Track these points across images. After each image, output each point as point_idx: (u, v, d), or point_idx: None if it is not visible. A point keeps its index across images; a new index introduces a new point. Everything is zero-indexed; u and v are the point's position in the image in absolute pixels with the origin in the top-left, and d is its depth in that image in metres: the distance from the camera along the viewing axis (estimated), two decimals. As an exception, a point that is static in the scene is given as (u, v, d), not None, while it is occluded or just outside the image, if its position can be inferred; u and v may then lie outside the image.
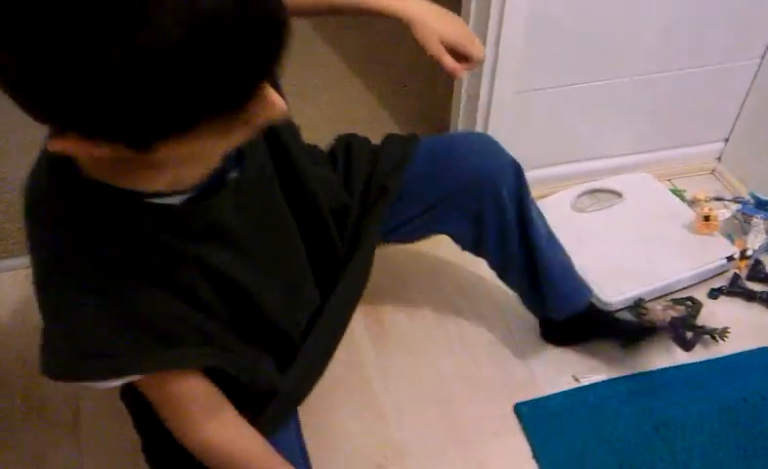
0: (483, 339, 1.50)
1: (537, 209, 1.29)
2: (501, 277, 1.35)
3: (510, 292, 1.40)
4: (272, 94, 0.63)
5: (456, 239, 1.28)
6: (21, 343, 1.45)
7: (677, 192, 1.79)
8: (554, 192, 1.75)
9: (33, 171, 0.76)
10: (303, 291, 1.02)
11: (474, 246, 1.28)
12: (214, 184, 0.78)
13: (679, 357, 1.46)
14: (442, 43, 1.01)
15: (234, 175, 0.81)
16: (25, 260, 1.61)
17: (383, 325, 1.52)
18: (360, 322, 1.51)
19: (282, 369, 0.98)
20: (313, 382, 1.06)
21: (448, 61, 1.01)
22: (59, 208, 0.73)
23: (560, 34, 1.52)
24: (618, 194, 1.75)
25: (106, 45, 0.50)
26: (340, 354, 1.10)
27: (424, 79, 2.18)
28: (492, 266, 1.34)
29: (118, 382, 0.79)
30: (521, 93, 1.58)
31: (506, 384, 1.42)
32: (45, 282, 0.75)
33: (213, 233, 0.80)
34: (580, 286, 1.38)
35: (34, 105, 0.55)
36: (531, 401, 1.37)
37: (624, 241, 1.64)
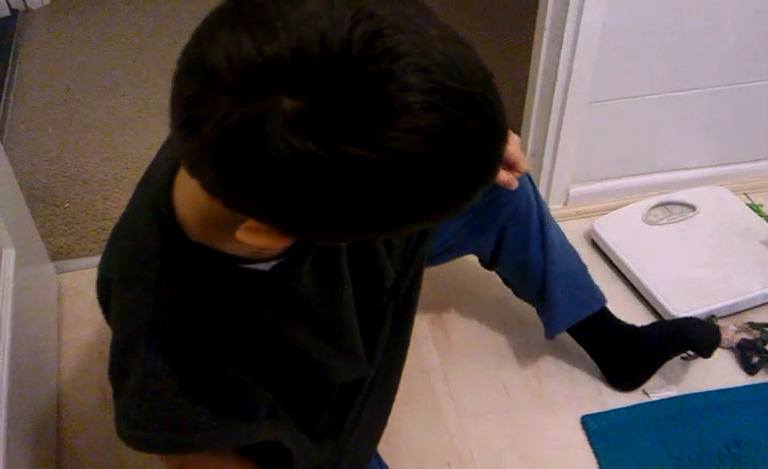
0: (548, 350, 1.48)
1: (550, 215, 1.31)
2: (517, 289, 1.39)
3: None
4: None
5: (479, 256, 1.33)
6: (96, 337, 1.51)
7: (754, 207, 1.73)
8: (626, 204, 1.72)
9: (124, 233, 0.76)
10: (356, 356, 1.00)
11: (492, 260, 1.31)
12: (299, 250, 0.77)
13: (759, 376, 1.41)
14: None
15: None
16: (100, 258, 1.68)
17: (447, 332, 1.52)
18: (424, 329, 1.51)
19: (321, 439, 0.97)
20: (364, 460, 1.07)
21: (503, 175, 1.00)
22: (160, 274, 0.71)
23: (635, 45, 1.50)
24: (692, 208, 1.71)
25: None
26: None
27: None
28: (507, 279, 1.38)
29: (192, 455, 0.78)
30: (595, 103, 1.56)
31: (572, 396, 1.40)
32: (130, 349, 0.72)
33: (295, 300, 0.79)
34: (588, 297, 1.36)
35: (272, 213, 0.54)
36: (598, 414, 1.35)
37: (697, 256, 1.60)
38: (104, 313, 0.83)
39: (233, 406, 0.76)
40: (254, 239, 0.59)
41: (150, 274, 0.71)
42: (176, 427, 0.72)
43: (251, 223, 0.58)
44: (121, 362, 0.74)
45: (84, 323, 1.53)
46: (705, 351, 1.34)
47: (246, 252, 0.71)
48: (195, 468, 0.81)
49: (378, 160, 0.48)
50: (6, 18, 2.45)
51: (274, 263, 0.75)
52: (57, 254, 1.67)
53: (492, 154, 0.54)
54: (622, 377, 1.40)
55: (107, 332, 1.52)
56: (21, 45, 2.35)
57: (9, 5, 2.46)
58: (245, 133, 0.49)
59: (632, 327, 1.38)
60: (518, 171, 1.02)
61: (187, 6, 2.50)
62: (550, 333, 1.37)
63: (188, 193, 0.69)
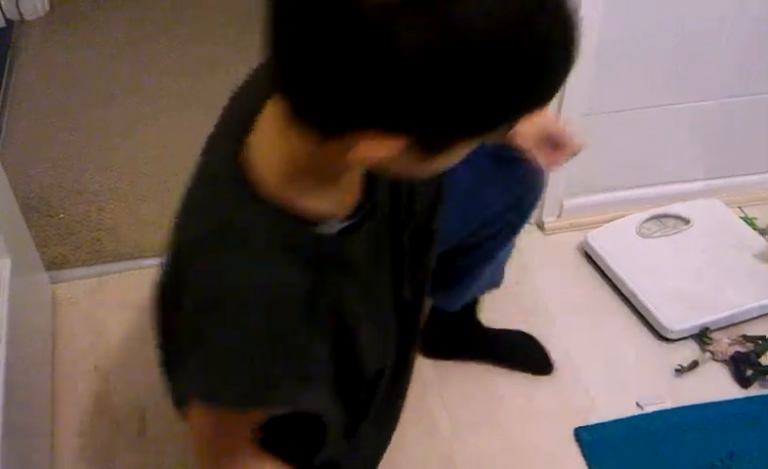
0: (543, 362, 1.48)
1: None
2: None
3: (568, 314, 1.39)
4: None
5: None
6: (90, 348, 1.50)
7: (748, 220, 1.74)
8: (620, 217, 1.73)
9: (198, 195, 0.75)
10: (389, 340, 0.97)
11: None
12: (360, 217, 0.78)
13: (752, 389, 1.42)
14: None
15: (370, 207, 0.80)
16: (94, 269, 1.67)
17: (442, 345, 1.52)
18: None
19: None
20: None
21: (549, 154, 0.99)
22: (242, 231, 0.70)
23: (630, 59, 1.51)
24: (686, 221, 1.72)
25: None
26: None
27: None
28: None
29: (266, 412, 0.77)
30: (589, 115, 1.57)
31: (565, 409, 1.40)
32: (210, 307, 0.70)
33: (355, 268, 0.79)
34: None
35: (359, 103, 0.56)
36: (592, 426, 1.35)
37: (691, 269, 1.61)
38: (162, 291, 0.81)
39: (305, 369, 0.75)
40: (372, 150, 0.59)
41: (232, 231, 0.70)
42: (256, 380, 0.71)
43: (372, 139, 0.58)
44: (197, 324, 0.72)
45: (78, 334, 1.53)
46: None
47: (323, 207, 0.72)
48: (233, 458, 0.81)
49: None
50: (2, 28, 2.45)
51: (339, 226, 0.75)
52: (51, 264, 1.66)
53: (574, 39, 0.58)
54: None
55: (101, 343, 1.53)
56: (17, 55, 2.35)
57: (4, 15, 2.47)
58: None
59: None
60: (564, 153, 1.00)
61: (183, 16, 2.51)
62: (449, 308, 1.37)
63: (268, 143, 0.69)
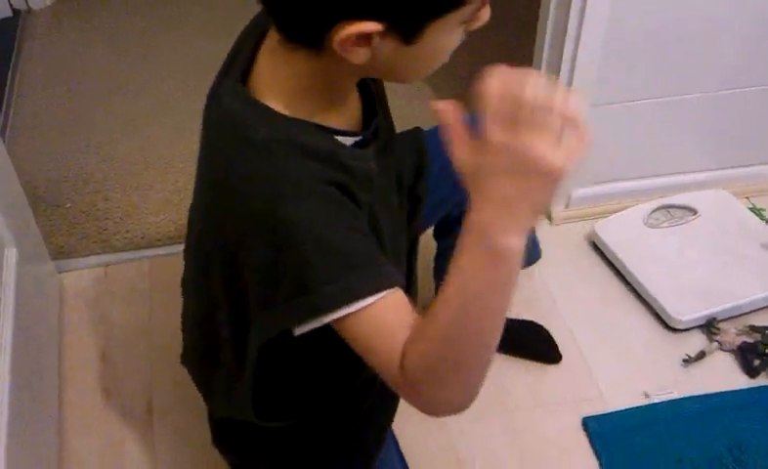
0: (550, 352, 1.48)
1: None
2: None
3: (576, 305, 1.38)
4: None
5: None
6: (97, 338, 1.51)
7: (756, 211, 1.73)
8: (628, 207, 1.72)
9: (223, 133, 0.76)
10: (401, 261, 0.96)
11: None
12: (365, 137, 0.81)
13: (760, 379, 1.41)
14: None
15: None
16: (101, 258, 1.67)
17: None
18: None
19: None
20: None
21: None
22: (276, 143, 0.72)
23: (636, 50, 1.50)
24: (694, 211, 1.71)
25: None
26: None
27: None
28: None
29: (366, 301, 0.70)
30: (597, 106, 1.56)
31: (572, 398, 1.40)
32: (281, 227, 0.69)
33: (370, 179, 0.79)
34: None
35: None
36: (599, 415, 1.35)
37: (698, 259, 1.60)
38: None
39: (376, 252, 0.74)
40: (352, 35, 0.65)
41: (259, 144, 0.72)
42: (358, 264, 0.71)
43: (348, 29, 0.64)
44: (275, 251, 0.71)
45: (85, 323, 1.53)
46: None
47: (332, 122, 0.76)
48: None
49: None
50: (8, 18, 2.45)
51: (351, 141, 0.78)
52: (58, 254, 1.67)
53: None
54: None
55: (108, 332, 1.53)
56: (24, 46, 2.35)
57: (11, 5, 2.47)
58: None
59: None
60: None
61: (191, 9, 2.51)
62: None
63: (270, 74, 0.75)
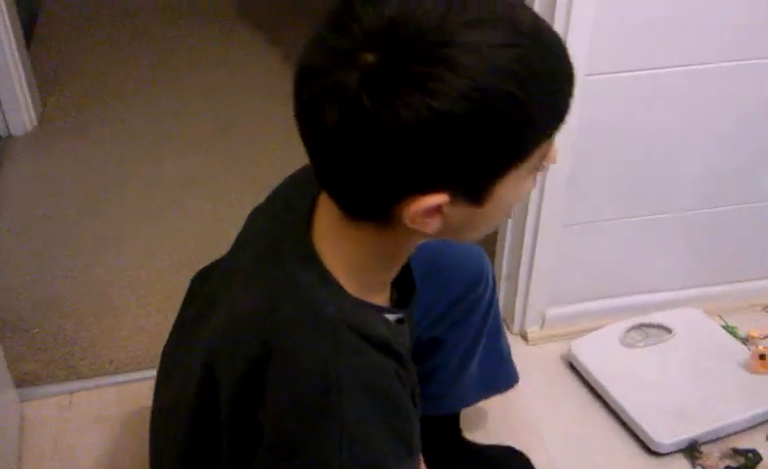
0: None
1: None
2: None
3: (555, 428, 1.34)
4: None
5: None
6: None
7: (729, 329, 1.73)
8: (603, 326, 1.71)
9: (280, 299, 0.76)
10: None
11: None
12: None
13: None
14: None
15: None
16: (68, 386, 1.61)
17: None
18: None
19: None
20: None
21: None
22: (336, 323, 0.72)
23: (605, 170, 1.53)
24: (668, 330, 1.71)
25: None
26: None
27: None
28: None
29: None
30: (568, 226, 1.58)
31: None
32: (318, 405, 0.71)
33: (408, 358, 0.80)
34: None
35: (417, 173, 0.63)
36: None
37: (676, 380, 1.59)
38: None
39: (414, 443, 0.76)
40: (421, 208, 0.65)
41: (327, 324, 0.72)
42: (379, 463, 0.72)
43: (415, 206, 0.65)
44: (309, 424, 0.71)
45: (47, 456, 1.46)
46: None
47: (379, 300, 0.77)
48: None
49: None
50: (-13, 143, 2.47)
51: (394, 318, 0.79)
52: (22, 381, 1.61)
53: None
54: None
55: (70, 466, 1.46)
56: (1, 169, 2.36)
57: (-9, 131, 2.49)
58: None
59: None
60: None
61: (175, 131, 2.54)
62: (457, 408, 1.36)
63: (333, 249, 0.75)
